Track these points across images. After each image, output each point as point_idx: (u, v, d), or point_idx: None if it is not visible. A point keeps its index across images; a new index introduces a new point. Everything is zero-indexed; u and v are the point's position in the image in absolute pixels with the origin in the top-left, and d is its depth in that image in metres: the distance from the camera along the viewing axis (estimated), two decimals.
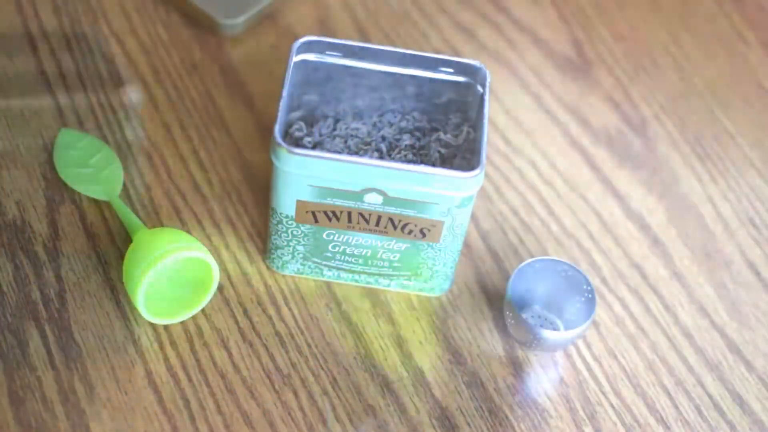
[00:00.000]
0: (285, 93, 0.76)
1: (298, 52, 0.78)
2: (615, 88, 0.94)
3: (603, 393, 0.79)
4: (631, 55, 0.96)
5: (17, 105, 0.86)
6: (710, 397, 0.80)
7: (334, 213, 0.76)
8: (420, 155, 0.80)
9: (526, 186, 0.88)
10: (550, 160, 0.90)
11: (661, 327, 0.83)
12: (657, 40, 0.97)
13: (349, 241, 0.78)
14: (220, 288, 0.81)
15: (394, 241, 0.78)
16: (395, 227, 0.77)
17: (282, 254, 0.80)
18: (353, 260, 0.80)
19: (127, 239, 0.81)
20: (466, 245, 0.84)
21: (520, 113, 0.92)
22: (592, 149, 0.90)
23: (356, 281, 0.81)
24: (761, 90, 0.95)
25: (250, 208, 0.84)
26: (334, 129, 0.82)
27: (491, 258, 0.84)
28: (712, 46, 0.98)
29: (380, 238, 0.78)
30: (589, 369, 0.80)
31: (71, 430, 0.74)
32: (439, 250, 0.78)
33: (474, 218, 0.86)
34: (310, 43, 0.78)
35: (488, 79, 0.78)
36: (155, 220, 0.83)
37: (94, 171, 0.83)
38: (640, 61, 0.96)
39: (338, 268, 0.80)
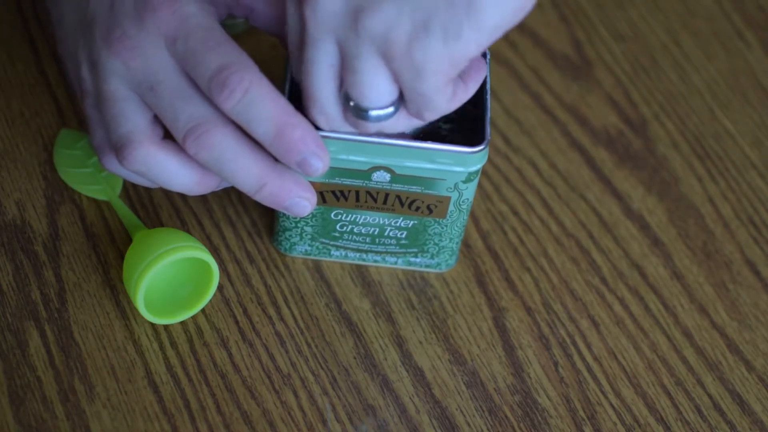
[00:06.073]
0: (288, 77, 0.75)
1: None
2: (615, 88, 0.94)
3: (603, 393, 0.79)
4: (631, 55, 0.96)
5: (17, 105, 0.86)
6: (710, 397, 0.80)
7: (342, 192, 0.77)
8: (424, 132, 0.80)
9: (526, 186, 0.88)
10: (550, 160, 0.90)
11: (661, 327, 0.83)
12: (657, 40, 0.97)
13: (357, 220, 0.78)
14: (220, 288, 0.81)
15: (401, 218, 0.78)
16: (402, 204, 0.77)
17: (290, 236, 0.80)
18: (361, 239, 0.80)
19: (127, 239, 0.81)
20: (466, 245, 0.84)
21: (519, 113, 0.92)
22: (592, 149, 0.90)
23: (363, 260, 0.82)
24: (761, 90, 0.95)
25: (250, 208, 0.84)
26: None
27: (491, 258, 0.84)
28: (712, 46, 0.98)
29: (387, 216, 0.78)
30: (589, 369, 0.80)
31: (71, 430, 0.74)
32: (446, 226, 0.79)
33: (474, 218, 0.86)
34: None
35: (488, 56, 0.77)
36: (155, 220, 0.83)
37: (94, 171, 0.83)
38: (640, 61, 0.96)
39: (346, 248, 0.81)
